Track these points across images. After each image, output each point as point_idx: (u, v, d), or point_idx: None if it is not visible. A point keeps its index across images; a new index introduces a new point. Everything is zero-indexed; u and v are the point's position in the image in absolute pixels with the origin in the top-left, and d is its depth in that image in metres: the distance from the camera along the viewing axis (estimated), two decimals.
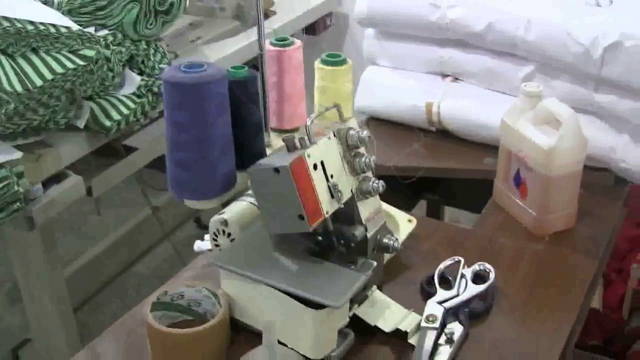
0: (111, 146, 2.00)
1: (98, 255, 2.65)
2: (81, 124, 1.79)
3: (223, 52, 2.29)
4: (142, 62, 1.96)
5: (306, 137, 1.20)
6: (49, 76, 1.65)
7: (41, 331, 2.17)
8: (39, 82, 1.63)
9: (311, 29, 2.78)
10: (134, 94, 1.90)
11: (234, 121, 1.27)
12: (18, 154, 1.65)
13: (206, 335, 1.19)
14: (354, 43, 2.91)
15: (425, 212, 2.37)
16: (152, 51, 1.98)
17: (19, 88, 1.60)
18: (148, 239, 2.87)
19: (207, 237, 1.42)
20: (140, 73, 1.95)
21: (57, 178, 1.77)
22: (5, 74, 1.62)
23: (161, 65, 1.99)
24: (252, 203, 1.36)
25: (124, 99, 1.88)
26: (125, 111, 1.85)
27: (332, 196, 1.21)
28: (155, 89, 1.92)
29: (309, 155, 1.18)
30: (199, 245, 1.46)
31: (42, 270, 2.01)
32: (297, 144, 1.19)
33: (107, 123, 1.82)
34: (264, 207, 1.22)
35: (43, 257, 1.99)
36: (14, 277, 2.14)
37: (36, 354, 2.29)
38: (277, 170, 1.16)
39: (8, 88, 1.59)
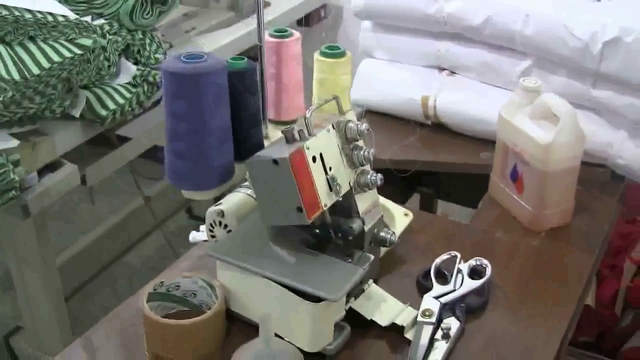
0: (104, 135, 2.00)
1: (89, 244, 2.64)
2: (77, 113, 1.78)
3: (218, 42, 2.28)
4: (138, 51, 1.95)
5: (305, 129, 1.20)
6: (46, 65, 1.64)
7: (33, 319, 2.17)
8: (36, 71, 1.62)
9: (305, 21, 2.77)
10: (129, 83, 1.89)
11: (232, 112, 1.27)
12: (14, 142, 1.64)
13: (202, 327, 1.19)
14: (347, 35, 2.91)
15: (419, 205, 2.37)
16: (147, 41, 1.97)
17: (16, 76, 1.59)
18: (139, 229, 2.86)
19: (202, 227, 1.41)
20: (136, 63, 1.94)
21: (52, 167, 1.77)
22: (3, 62, 1.61)
23: (157, 55, 1.98)
24: (248, 194, 1.35)
25: (120, 88, 1.87)
26: (120, 101, 1.85)
27: (331, 189, 1.21)
28: (151, 79, 1.91)
29: (308, 148, 1.17)
30: (194, 235, 1.46)
31: (35, 258, 2.02)
32: (296, 136, 1.18)
33: (103, 112, 1.81)
34: (262, 199, 1.22)
35: (35, 246, 1.99)
36: (6, 264, 2.14)
37: (28, 341, 2.28)
38: (276, 162, 1.15)
39: (6, 76, 1.58)
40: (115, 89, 1.86)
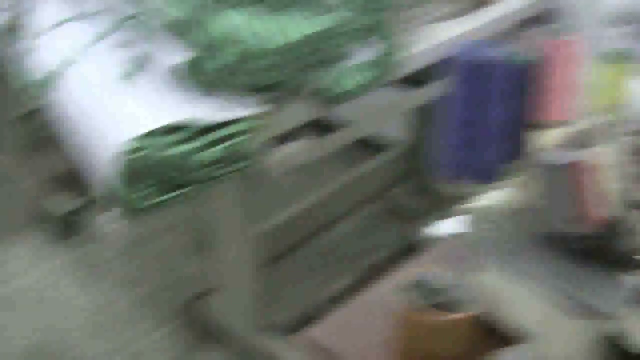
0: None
1: (286, 218, 2.64)
2: (312, 88, 1.77)
3: (452, 31, 2.23)
4: (377, 34, 1.92)
5: (589, 137, 1.14)
6: (294, 37, 1.64)
7: (227, 283, 2.21)
8: (292, 39, 1.62)
9: (531, 23, 2.69)
10: (365, 64, 1.86)
11: (511, 108, 1.22)
12: (258, 109, 1.64)
13: (462, 324, 1.15)
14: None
15: None
16: (387, 24, 1.94)
17: (275, 44, 1.60)
18: (334, 212, 2.84)
19: (448, 220, 1.36)
20: (375, 44, 1.91)
21: (285, 138, 1.76)
22: (266, 28, 1.62)
23: (394, 40, 1.94)
24: (513, 195, 1.29)
25: (356, 69, 1.85)
26: (355, 82, 1.82)
27: (611, 202, 1.14)
28: (386, 63, 1.88)
29: (591, 157, 1.12)
30: (440, 228, 1.41)
31: (237, 225, 2.07)
32: (580, 143, 1.13)
33: (337, 90, 1.80)
34: (539, 203, 1.17)
35: (240, 213, 2.03)
36: (202, 228, 2.18)
37: (216, 304, 2.32)
38: (558, 167, 1.11)
39: (279, 41, 1.61)
40: (351, 70, 1.84)
